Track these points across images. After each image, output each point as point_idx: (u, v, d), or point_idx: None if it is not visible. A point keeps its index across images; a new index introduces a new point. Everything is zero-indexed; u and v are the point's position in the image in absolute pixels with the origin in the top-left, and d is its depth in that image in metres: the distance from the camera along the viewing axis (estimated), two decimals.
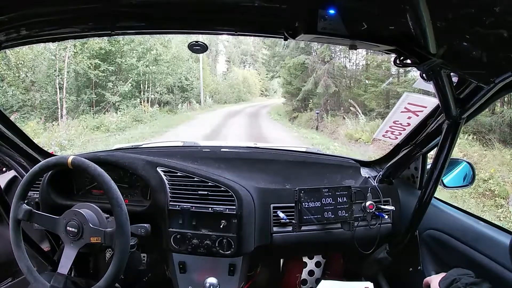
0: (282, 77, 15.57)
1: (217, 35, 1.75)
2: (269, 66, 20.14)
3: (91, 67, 10.67)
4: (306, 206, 1.24)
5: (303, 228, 1.26)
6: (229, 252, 1.23)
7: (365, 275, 1.47)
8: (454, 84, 0.87)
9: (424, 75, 0.84)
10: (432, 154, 1.17)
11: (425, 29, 0.66)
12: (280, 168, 1.47)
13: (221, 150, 1.55)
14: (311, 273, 1.72)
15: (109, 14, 0.85)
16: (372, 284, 1.08)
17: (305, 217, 1.24)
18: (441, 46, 0.73)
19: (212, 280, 1.17)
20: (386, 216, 1.34)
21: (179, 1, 0.81)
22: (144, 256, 1.60)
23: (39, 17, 0.83)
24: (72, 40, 1.04)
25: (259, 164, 1.48)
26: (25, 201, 1.06)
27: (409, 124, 1.21)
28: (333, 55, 12.10)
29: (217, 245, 1.23)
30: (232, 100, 22.83)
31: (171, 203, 1.24)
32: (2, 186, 1.37)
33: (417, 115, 1.16)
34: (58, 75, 10.01)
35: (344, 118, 10.45)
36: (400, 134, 1.28)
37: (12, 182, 1.48)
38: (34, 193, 1.35)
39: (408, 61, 0.82)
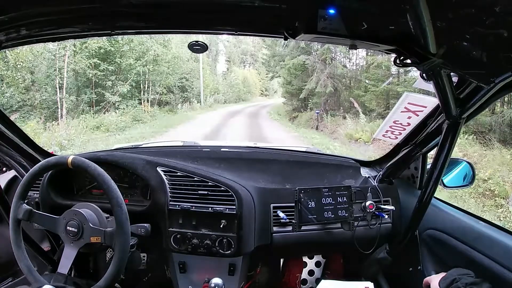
0: (282, 77, 15.57)
1: (217, 35, 1.75)
2: (269, 66, 20.12)
3: (91, 66, 10.67)
4: (306, 206, 1.24)
5: (303, 228, 1.26)
6: (229, 252, 1.23)
7: (365, 275, 1.47)
8: (454, 84, 0.87)
9: (424, 75, 0.84)
10: (432, 154, 1.17)
11: (425, 29, 0.66)
12: (280, 168, 1.47)
13: (221, 150, 1.55)
14: (311, 273, 1.72)
15: (109, 14, 0.85)
16: (372, 284, 1.08)
17: (305, 217, 1.24)
18: (441, 46, 0.72)
19: (217, 280, 1.17)
20: (386, 216, 1.34)
21: (179, 1, 0.81)
22: (144, 256, 1.60)
23: (39, 17, 0.83)
24: (72, 40, 1.04)
25: (259, 164, 1.48)
26: (25, 201, 1.06)
27: (409, 124, 1.21)
28: (333, 55, 12.10)
29: (217, 245, 1.23)
30: (232, 100, 22.83)
31: (171, 203, 1.24)
32: (2, 186, 1.37)
33: (417, 115, 1.16)
34: (58, 75, 10.01)
35: (344, 118, 10.45)
36: (400, 134, 1.27)
37: (12, 182, 1.48)
38: (34, 193, 1.35)
39: (408, 61, 0.82)
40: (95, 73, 10.80)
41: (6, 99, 9.29)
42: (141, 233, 1.07)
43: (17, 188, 1.06)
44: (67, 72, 10.26)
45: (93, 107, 10.93)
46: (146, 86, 12.74)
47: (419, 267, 1.30)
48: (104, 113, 10.80)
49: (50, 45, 9.49)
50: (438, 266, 1.23)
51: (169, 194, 1.25)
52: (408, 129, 1.24)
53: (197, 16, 0.89)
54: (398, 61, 0.83)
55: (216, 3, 0.81)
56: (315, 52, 12.22)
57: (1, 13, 0.77)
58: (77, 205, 1.07)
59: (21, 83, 9.71)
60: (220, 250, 1.23)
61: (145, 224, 1.08)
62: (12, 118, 2.73)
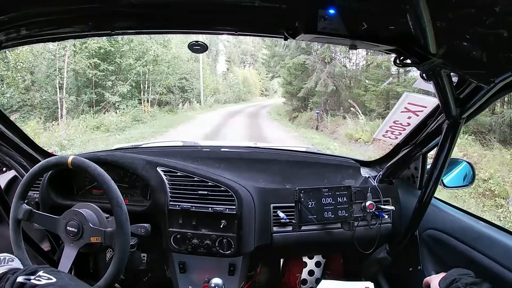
0: (282, 77, 15.57)
1: (217, 35, 1.75)
2: (269, 66, 20.15)
3: (91, 66, 10.67)
4: (306, 206, 1.24)
5: (303, 228, 1.26)
6: (229, 252, 1.23)
7: (365, 275, 1.47)
8: (454, 84, 0.87)
9: (424, 75, 0.84)
10: (432, 154, 1.17)
11: (425, 29, 0.66)
12: (280, 168, 1.47)
13: (221, 150, 1.55)
14: (311, 273, 1.72)
15: (109, 14, 0.85)
16: (372, 284, 1.08)
17: (305, 217, 1.24)
18: (441, 46, 0.72)
19: (217, 280, 1.17)
20: (386, 216, 1.34)
21: (179, 1, 0.81)
22: (144, 256, 1.60)
23: (39, 17, 0.83)
24: (72, 40, 1.04)
25: (259, 164, 1.48)
26: (25, 201, 1.06)
27: (409, 124, 1.21)
28: (333, 55, 12.10)
29: (217, 245, 1.23)
30: (232, 100, 22.82)
31: (171, 203, 1.24)
32: (2, 186, 1.37)
33: (417, 115, 1.16)
34: (58, 75, 10.01)
35: (344, 118, 10.45)
36: (400, 134, 1.27)
37: (12, 182, 1.48)
38: (34, 193, 1.35)
39: (408, 61, 0.82)
40: (95, 73, 10.81)
41: (6, 99, 9.29)
42: (141, 233, 1.07)
43: (17, 188, 1.05)
44: (67, 72, 10.26)
45: (93, 107, 10.93)
46: (146, 86, 12.74)
47: (419, 267, 1.30)
48: (104, 113, 10.81)
49: (50, 45, 9.49)
50: (438, 266, 1.23)
51: (169, 194, 1.25)
52: (408, 129, 1.24)
53: (197, 16, 0.89)
54: (398, 61, 0.83)
55: (216, 3, 0.81)
56: (315, 52, 12.22)
57: (1, 13, 0.77)
58: (77, 205, 1.07)
59: (21, 83, 9.71)
60: (220, 250, 1.23)
61: (145, 224, 1.08)
62: (12, 118, 2.73)
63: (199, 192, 1.25)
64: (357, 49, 1.18)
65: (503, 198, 4.71)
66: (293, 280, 1.65)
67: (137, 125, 10.77)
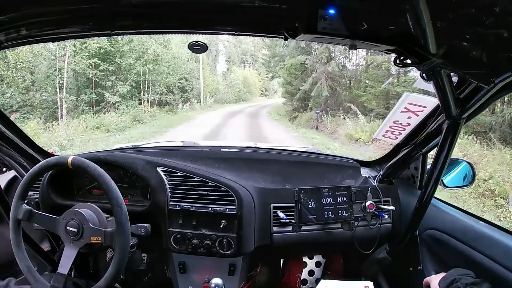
0: (282, 77, 15.60)
1: (217, 35, 1.76)
2: (269, 66, 20.19)
3: (91, 66, 10.68)
4: (306, 206, 1.24)
5: (303, 228, 1.26)
6: (229, 252, 1.23)
7: (365, 275, 1.47)
8: (454, 84, 0.87)
9: (424, 75, 0.84)
10: (432, 154, 1.17)
11: (425, 29, 0.66)
12: (280, 168, 1.47)
13: (221, 150, 1.55)
14: (311, 273, 1.72)
15: (109, 14, 0.85)
16: (372, 284, 1.08)
17: (305, 217, 1.24)
18: (441, 46, 0.72)
19: (217, 280, 1.17)
20: (386, 216, 1.34)
21: (179, 1, 0.81)
22: (144, 256, 1.60)
23: (39, 17, 0.83)
24: (72, 40, 1.04)
25: (259, 164, 1.48)
26: (25, 201, 1.06)
27: (409, 124, 1.21)
28: (333, 55, 12.10)
29: (217, 245, 1.23)
30: (232, 100, 22.83)
31: (171, 203, 1.24)
32: (2, 186, 1.37)
33: (417, 115, 1.16)
34: (58, 75, 10.02)
35: (344, 118, 10.46)
36: (400, 134, 1.27)
37: (12, 182, 1.48)
38: (34, 193, 1.35)
39: (408, 61, 0.82)
40: (95, 73, 10.82)
41: (6, 99, 9.30)
42: (141, 233, 1.07)
43: (17, 188, 1.05)
44: (67, 72, 10.27)
45: (93, 107, 10.94)
46: (146, 86, 12.75)
47: (419, 267, 1.30)
48: (104, 113, 10.81)
49: (50, 45, 9.50)
50: (438, 266, 1.23)
51: (169, 194, 1.25)
52: (408, 129, 1.24)
53: (197, 16, 0.90)
54: (398, 61, 0.83)
55: (216, 3, 0.81)
56: (315, 52, 12.22)
57: (1, 13, 0.77)
58: (77, 205, 1.07)
59: (21, 83, 9.72)
60: (220, 250, 1.23)
61: (145, 224, 1.08)
62: (12, 118, 2.73)
63: (199, 192, 1.25)
64: (357, 49, 1.18)
65: (503, 198, 4.71)
66: (293, 280, 1.65)
67: (137, 125, 10.78)
